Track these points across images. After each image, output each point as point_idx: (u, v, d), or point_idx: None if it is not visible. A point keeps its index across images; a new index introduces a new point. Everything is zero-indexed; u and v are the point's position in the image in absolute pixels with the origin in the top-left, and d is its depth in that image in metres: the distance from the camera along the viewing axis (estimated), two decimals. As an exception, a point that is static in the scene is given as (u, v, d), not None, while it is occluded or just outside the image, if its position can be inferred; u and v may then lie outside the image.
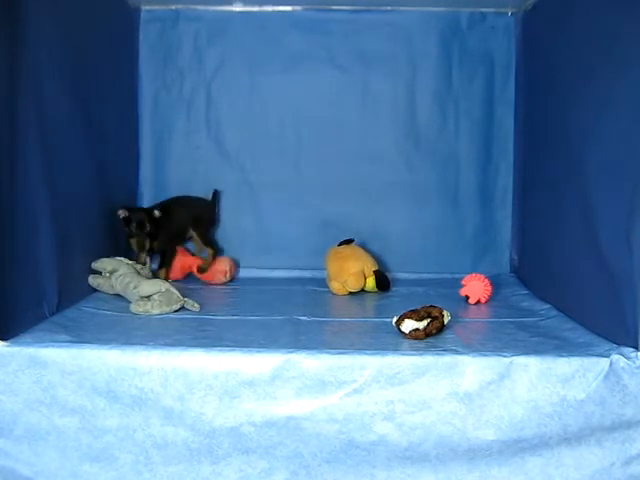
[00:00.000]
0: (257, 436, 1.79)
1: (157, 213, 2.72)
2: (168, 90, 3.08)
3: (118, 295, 2.43)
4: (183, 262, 2.94)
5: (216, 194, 3.06)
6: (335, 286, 2.70)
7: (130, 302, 2.31)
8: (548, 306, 2.38)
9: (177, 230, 2.90)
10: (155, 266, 2.87)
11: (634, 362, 1.74)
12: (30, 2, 1.96)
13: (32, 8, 1.96)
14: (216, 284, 2.88)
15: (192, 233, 2.96)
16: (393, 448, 1.79)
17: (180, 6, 3.01)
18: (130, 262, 2.57)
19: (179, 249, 2.95)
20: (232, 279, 2.96)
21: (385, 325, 2.11)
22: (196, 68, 3.06)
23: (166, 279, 2.67)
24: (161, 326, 2.14)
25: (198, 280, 2.91)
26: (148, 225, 2.69)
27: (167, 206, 2.85)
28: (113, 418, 1.80)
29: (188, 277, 2.95)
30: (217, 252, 3.00)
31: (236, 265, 3.03)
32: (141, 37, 3.04)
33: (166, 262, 2.85)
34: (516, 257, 3.02)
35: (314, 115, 3.07)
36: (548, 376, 1.76)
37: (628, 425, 1.77)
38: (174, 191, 3.06)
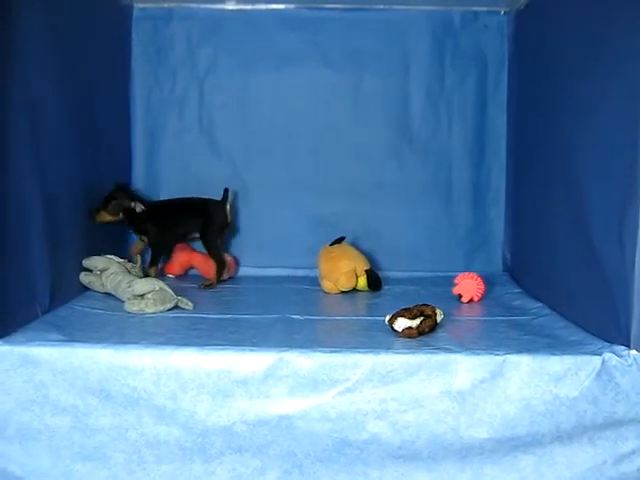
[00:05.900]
0: (250, 435, 1.79)
1: (138, 208, 2.71)
2: (160, 88, 3.07)
3: (109, 294, 2.42)
4: (182, 258, 2.93)
5: (226, 194, 2.85)
6: (327, 285, 2.70)
7: (121, 300, 2.30)
8: (540, 304, 2.38)
9: (172, 230, 2.87)
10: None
11: (626, 360, 1.75)
12: (21, -1, 1.95)
13: (23, 5, 1.95)
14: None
15: (195, 236, 2.87)
16: (386, 447, 1.79)
17: (173, 4, 3.01)
18: (121, 260, 2.56)
19: (179, 245, 2.94)
20: (231, 277, 2.95)
21: (378, 324, 2.10)
22: (189, 66, 3.06)
23: (156, 277, 2.64)
24: (154, 325, 2.13)
25: (198, 277, 2.90)
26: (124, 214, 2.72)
27: (165, 204, 2.87)
28: (105, 417, 1.79)
29: (188, 273, 2.98)
30: (221, 264, 2.79)
31: (236, 263, 3.03)
32: (134, 35, 3.03)
33: (155, 260, 2.82)
34: (509, 255, 3.02)
35: (306, 113, 3.07)
36: (540, 374, 1.76)
37: (620, 423, 1.78)
38: (166, 189, 3.05)
